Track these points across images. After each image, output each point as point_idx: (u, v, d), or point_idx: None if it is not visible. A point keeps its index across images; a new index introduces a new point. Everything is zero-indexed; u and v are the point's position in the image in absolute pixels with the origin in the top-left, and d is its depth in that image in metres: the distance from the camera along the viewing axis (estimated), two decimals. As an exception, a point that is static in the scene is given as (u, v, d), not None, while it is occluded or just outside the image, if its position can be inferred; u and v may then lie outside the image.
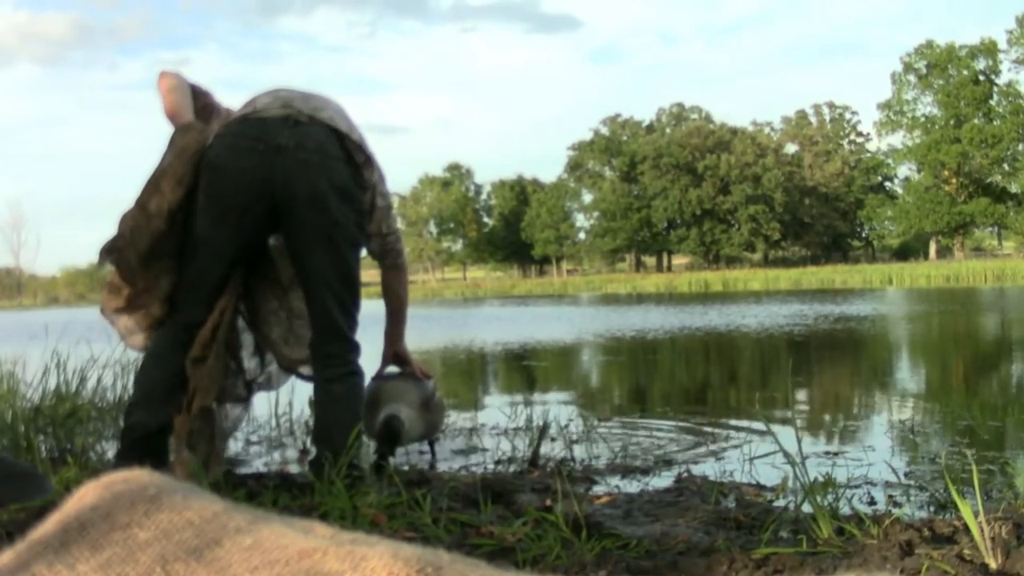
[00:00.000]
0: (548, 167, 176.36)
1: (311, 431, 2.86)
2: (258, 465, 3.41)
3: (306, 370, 2.94)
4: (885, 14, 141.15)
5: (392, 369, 3.25)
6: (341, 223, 2.64)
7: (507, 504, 2.44)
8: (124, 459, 2.55)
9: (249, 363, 3.01)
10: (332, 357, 2.70)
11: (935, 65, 59.84)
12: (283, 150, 2.56)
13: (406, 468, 3.07)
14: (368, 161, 2.77)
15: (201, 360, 2.67)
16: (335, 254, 2.65)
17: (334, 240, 2.63)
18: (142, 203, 2.55)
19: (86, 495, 0.69)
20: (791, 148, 71.91)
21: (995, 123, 57.25)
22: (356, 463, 2.60)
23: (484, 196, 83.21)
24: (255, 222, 2.64)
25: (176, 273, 2.68)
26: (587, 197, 74.74)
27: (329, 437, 2.63)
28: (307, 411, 4.19)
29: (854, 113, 72.86)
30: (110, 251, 2.57)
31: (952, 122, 58.52)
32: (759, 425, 3.95)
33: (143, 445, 2.56)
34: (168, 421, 2.63)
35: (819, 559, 1.81)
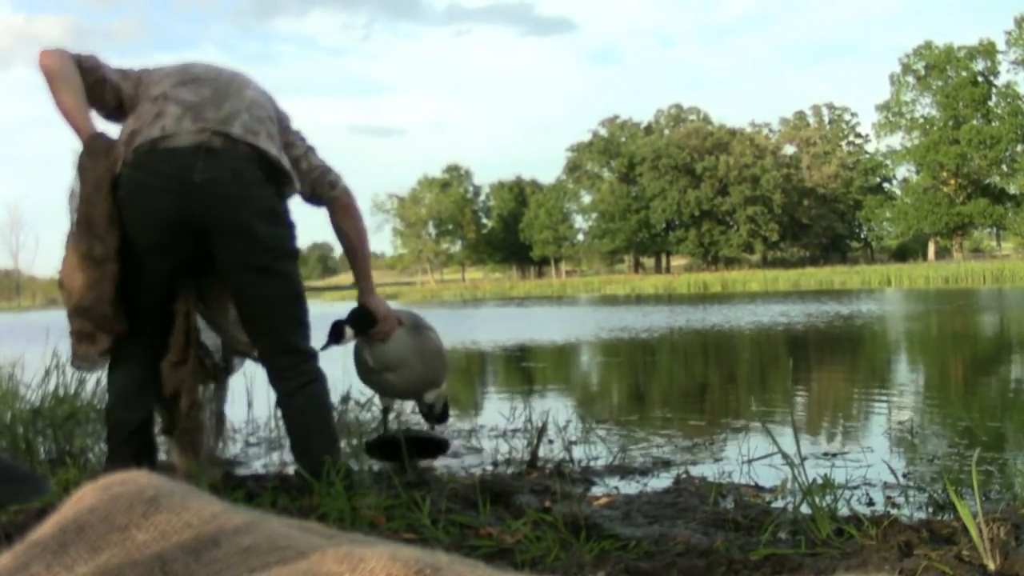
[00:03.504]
0: (547, 168, 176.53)
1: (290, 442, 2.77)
2: (257, 466, 3.41)
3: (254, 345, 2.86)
4: (883, 15, 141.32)
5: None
6: (272, 246, 2.52)
7: (506, 505, 2.44)
8: (115, 460, 2.53)
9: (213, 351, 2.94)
10: (286, 370, 2.59)
11: (934, 66, 59.85)
12: (198, 187, 2.41)
13: (403, 471, 3.07)
14: (289, 145, 2.67)
15: (181, 363, 2.67)
16: (272, 277, 2.54)
17: (268, 267, 2.52)
18: (86, 255, 2.42)
19: (84, 497, 0.69)
20: (789, 149, 71.92)
21: (993, 124, 57.25)
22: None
23: (483, 197, 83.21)
24: (184, 251, 2.54)
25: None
26: (586, 198, 74.76)
27: (305, 450, 2.58)
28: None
29: (853, 114, 72.90)
30: (82, 336, 2.49)
31: (951, 123, 58.53)
32: (757, 426, 3.95)
33: (130, 443, 2.56)
34: (148, 414, 2.63)
35: (818, 560, 1.81)
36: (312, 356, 2.65)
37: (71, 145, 2.52)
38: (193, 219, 2.45)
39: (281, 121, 2.69)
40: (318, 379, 2.64)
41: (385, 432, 3.28)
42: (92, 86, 2.54)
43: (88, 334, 2.50)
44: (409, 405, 4.51)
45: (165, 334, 2.65)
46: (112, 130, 2.60)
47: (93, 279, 2.43)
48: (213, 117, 2.47)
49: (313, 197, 2.75)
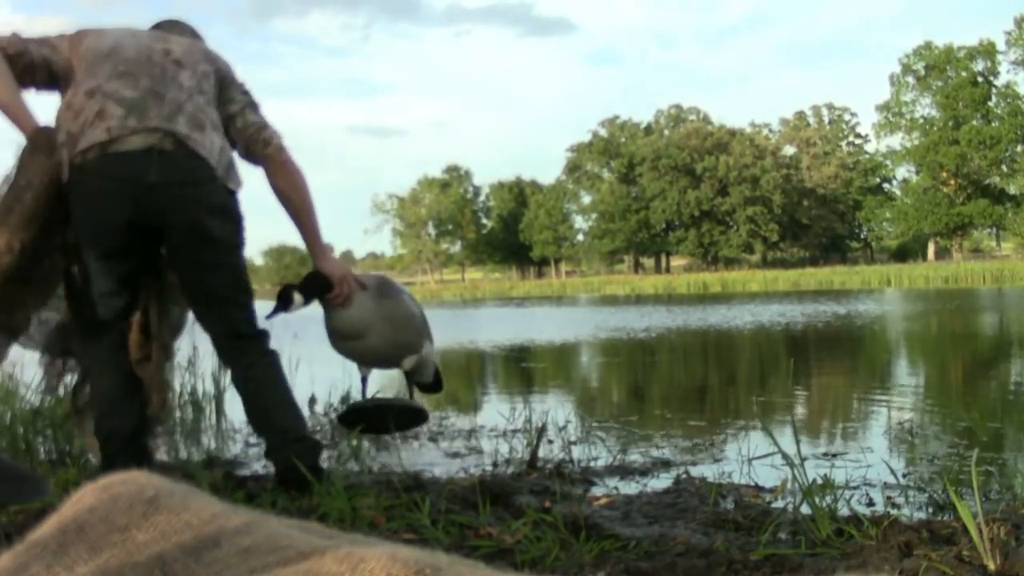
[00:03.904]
0: (546, 169, 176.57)
1: (250, 423, 2.73)
2: (257, 466, 3.41)
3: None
4: (883, 15, 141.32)
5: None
6: (221, 242, 2.54)
7: (506, 505, 2.44)
8: (109, 469, 2.52)
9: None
10: (240, 349, 2.61)
11: (933, 66, 59.86)
12: (154, 188, 2.41)
13: (402, 472, 3.07)
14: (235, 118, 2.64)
15: (145, 360, 2.67)
16: (221, 271, 2.57)
17: (218, 262, 2.55)
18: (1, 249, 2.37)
19: (84, 497, 0.69)
20: (789, 150, 71.95)
21: (993, 124, 57.26)
22: (304, 435, 2.58)
23: (483, 198, 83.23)
24: (142, 252, 2.56)
25: (39, 294, 2.58)
26: (585, 198, 74.78)
27: (270, 422, 2.57)
28: (306, 412, 4.20)
29: (853, 115, 72.95)
30: None
31: (950, 123, 58.53)
32: (757, 426, 3.95)
33: (125, 451, 2.55)
34: (139, 419, 2.63)
35: (818, 560, 1.81)
36: (265, 336, 2.67)
37: (12, 136, 2.49)
38: (149, 220, 2.46)
39: (222, 80, 2.64)
40: (273, 354, 2.66)
41: (358, 402, 3.19)
42: (22, 72, 2.48)
43: None
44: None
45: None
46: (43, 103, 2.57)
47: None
48: (157, 114, 2.44)
49: (247, 155, 2.69)
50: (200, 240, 2.50)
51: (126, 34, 2.60)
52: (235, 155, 2.66)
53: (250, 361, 2.60)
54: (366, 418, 3.11)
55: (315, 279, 2.78)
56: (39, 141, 2.43)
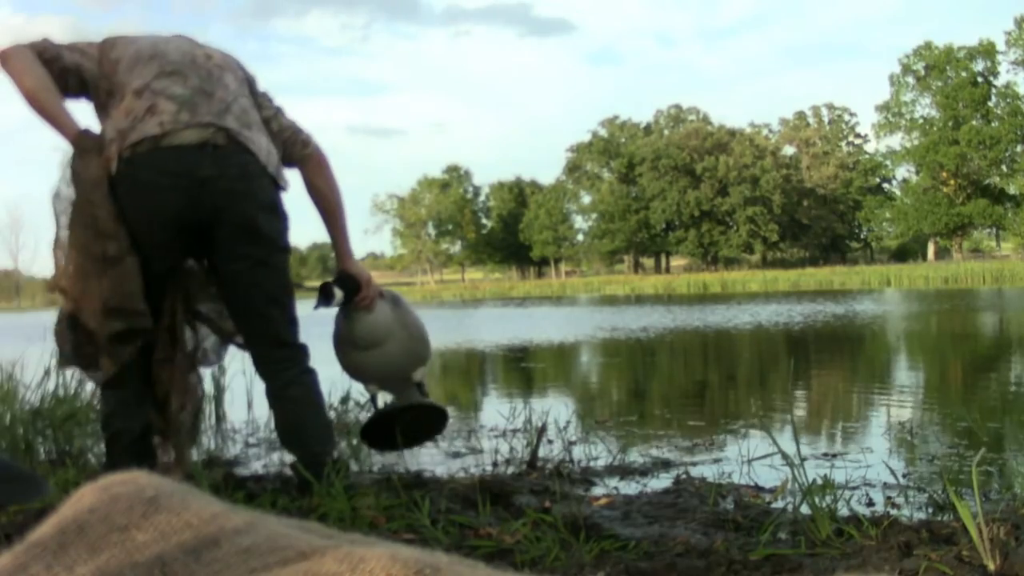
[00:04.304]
0: (546, 169, 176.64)
1: (279, 436, 2.71)
2: (257, 466, 3.41)
3: (242, 339, 2.79)
4: (883, 16, 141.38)
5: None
6: (271, 239, 2.53)
7: (506, 505, 2.44)
8: (115, 468, 2.52)
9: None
10: (282, 362, 2.59)
11: (933, 67, 59.87)
12: (207, 182, 2.41)
13: (402, 472, 3.07)
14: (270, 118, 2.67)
15: (167, 360, 2.66)
16: (269, 270, 2.55)
17: (267, 259, 2.53)
18: (100, 256, 2.38)
19: (84, 497, 0.69)
20: (789, 150, 71.97)
21: (993, 124, 57.27)
22: (336, 458, 2.57)
23: (482, 198, 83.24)
24: (186, 248, 2.55)
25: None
26: (585, 199, 74.83)
27: (302, 440, 2.56)
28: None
29: (852, 115, 72.99)
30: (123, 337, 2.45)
31: (950, 123, 58.54)
32: (757, 426, 3.95)
33: (131, 451, 2.55)
34: (147, 422, 2.62)
35: (818, 560, 1.81)
36: (305, 351, 2.65)
37: (54, 144, 2.46)
38: (199, 215, 2.44)
39: (251, 87, 2.67)
40: (312, 371, 2.64)
41: (377, 411, 3.04)
42: (57, 77, 2.46)
43: (123, 334, 2.45)
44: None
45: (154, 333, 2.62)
46: (77, 110, 2.52)
47: (116, 278, 2.39)
48: (208, 111, 2.45)
49: (284, 158, 2.70)
50: (251, 235, 2.48)
51: (161, 40, 2.61)
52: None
53: (289, 378, 2.58)
54: (389, 428, 3.00)
55: (347, 279, 2.79)
56: (85, 144, 2.42)
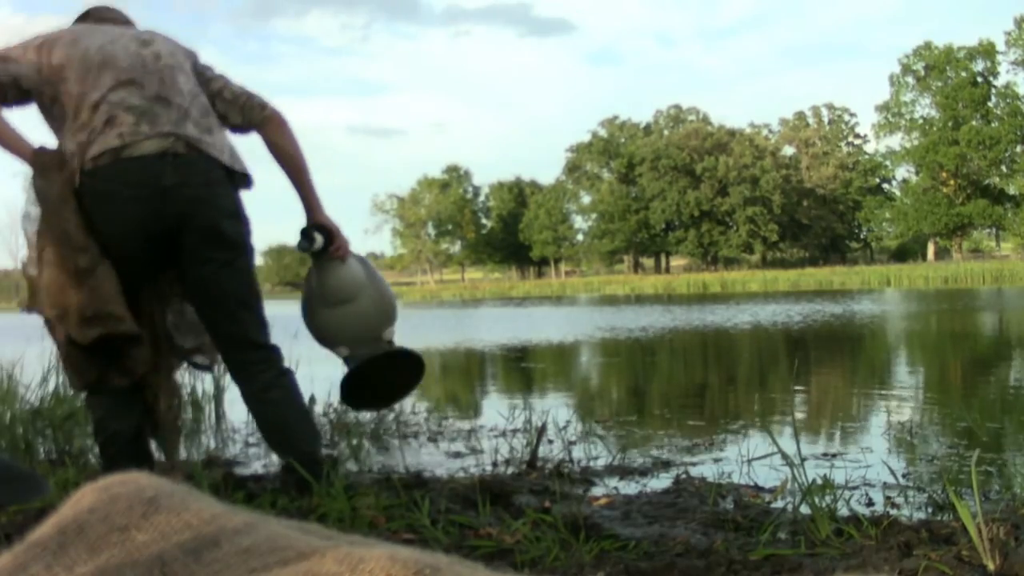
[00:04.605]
0: (546, 169, 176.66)
1: (266, 441, 2.70)
2: (257, 467, 3.41)
3: (201, 359, 2.81)
4: (883, 16, 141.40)
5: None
6: (235, 242, 2.54)
7: (505, 506, 2.44)
8: (112, 470, 2.49)
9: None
10: (256, 364, 2.58)
11: (933, 67, 59.87)
12: (169, 191, 2.41)
13: (402, 472, 3.07)
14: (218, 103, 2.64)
15: (154, 371, 2.66)
16: (235, 272, 2.55)
17: (232, 262, 2.54)
18: (74, 270, 2.37)
19: (84, 497, 0.69)
20: (789, 150, 71.97)
21: (993, 125, 57.26)
22: (321, 459, 2.57)
23: (482, 198, 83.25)
24: (153, 257, 2.53)
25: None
26: (585, 199, 74.82)
27: (291, 441, 2.55)
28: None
29: (852, 115, 72.96)
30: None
31: (950, 124, 58.53)
32: (757, 426, 3.95)
33: (127, 453, 2.55)
34: (139, 422, 2.62)
35: (817, 560, 1.81)
36: (278, 352, 2.65)
37: (13, 169, 2.46)
38: (164, 224, 2.45)
39: (195, 65, 2.66)
40: (288, 372, 2.63)
41: (356, 365, 2.91)
42: (12, 85, 2.43)
43: (105, 339, 2.43)
44: (408, 405, 4.51)
45: None
46: (17, 117, 2.49)
47: (90, 288, 2.39)
48: (167, 120, 2.45)
49: (243, 124, 2.68)
50: (215, 240, 2.49)
51: (104, 40, 2.55)
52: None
53: (267, 381, 2.57)
54: (366, 384, 2.95)
55: (320, 229, 2.77)
56: (44, 162, 2.41)
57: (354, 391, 2.97)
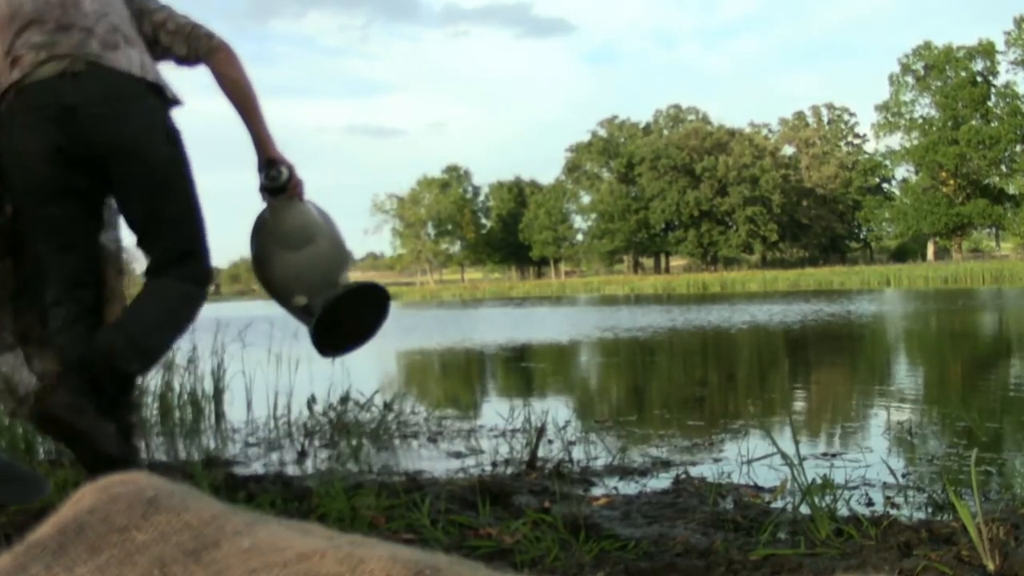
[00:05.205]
0: (546, 169, 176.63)
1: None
2: (256, 467, 3.41)
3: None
4: (883, 15, 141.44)
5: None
6: (162, 158, 2.37)
7: (505, 506, 2.44)
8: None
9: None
10: (173, 267, 2.40)
11: (933, 66, 59.88)
12: (75, 110, 2.28)
13: (402, 472, 3.07)
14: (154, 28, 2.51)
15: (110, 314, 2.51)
16: (167, 193, 2.38)
17: (165, 183, 2.38)
18: None
19: (84, 497, 0.69)
20: (789, 150, 71.99)
21: (993, 124, 57.28)
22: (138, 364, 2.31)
23: (482, 198, 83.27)
24: (81, 191, 2.37)
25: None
26: (585, 199, 74.84)
27: (125, 324, 2.31)
28: (305, 412, 4.20)
29: (852, 115, 73.07)
30: None
31: (950, 123, 58.55)
32: (757, 426, 3.95)
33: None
34: (128, 422, 2.45)
35: (817, 560, 1.81)
36: (206, 279, 2.48)
37: None
38: (76, 149, 2.31)
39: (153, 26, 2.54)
40: (200, 293, 2.45)
41: (321, 309, 2.68)
42: None
43: None
44: (408, 405, 4.51)
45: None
46: None
47: None
48: (67, 44, 2.33)
49: (190, 56, 2.55)
50: (139, 161, 2.33)
51: None
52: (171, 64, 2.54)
53: (180, 277, 2.40)
54: (336, 328, 2.74)
55: (276, 164, 2.64)
56: None
57: (325, 337, 2.75)
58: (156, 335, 2.35)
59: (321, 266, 2.70)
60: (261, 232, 2.70)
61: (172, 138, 2.42)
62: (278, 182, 2.61)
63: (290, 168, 2.64)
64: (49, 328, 2.40)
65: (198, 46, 2.55)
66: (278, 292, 2.73)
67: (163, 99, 2.44)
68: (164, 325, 2.38)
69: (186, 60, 2.56)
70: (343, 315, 2.72)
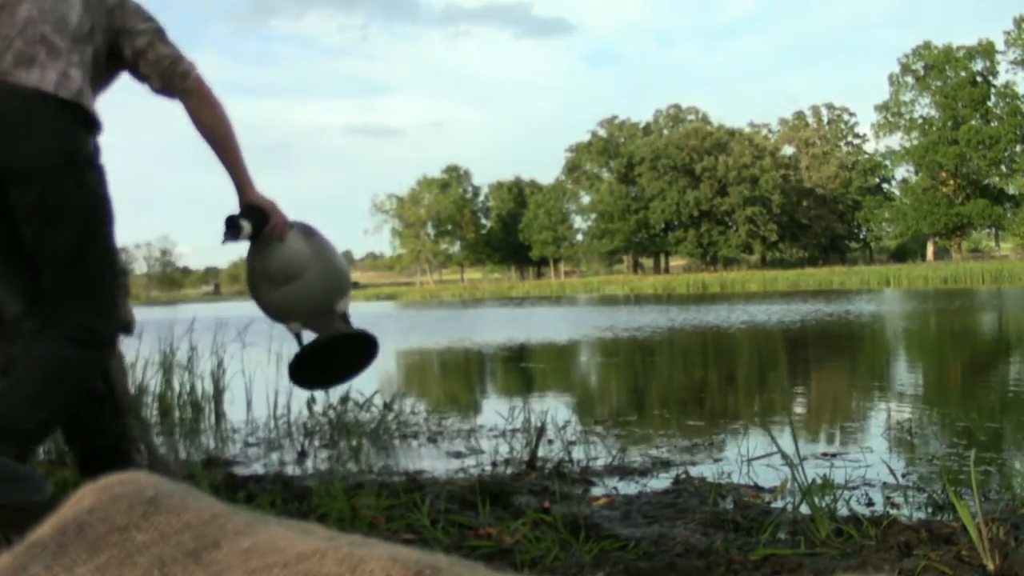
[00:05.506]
0: (546, 169, 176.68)
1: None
2: (256, 467, 3.41)
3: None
4: (883, 15, 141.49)
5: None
6: (68, 192, 2.15)
7: (505, 506, 2.44)
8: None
9: None
10: (60, 318, 2.15)
11: (933, 66, 59.89)
12: None
13: (402, 472, 3.07)
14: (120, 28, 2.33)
15: None
16: (60, 231, 2.14)
17: (57, 219, 2.14)
18: None
19: (84, 497, 0.69)
20: (788, 150, 72.00)
21: (992, 124, 57.29)
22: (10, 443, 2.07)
23: (482, 198, 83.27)
24: None
25: None
26: (585, 199, 74.83)
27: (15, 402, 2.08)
28: (305, 412, 4.20)
29: (852, 115, 72.99)
30: None
31: (949, 123, 58.56)
32: (757, 426, 3.95)
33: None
34: (125, 431, 2.46)
35: (817, 560, 1.81)
36: (101, 338, 2.23)
37: None
38: None
39: (114, 9, 2.39)
40: (91, 357, 2.18)
41: (302, 347, 2.73)
42: None
43: None
44: (408, 405, 4.51)
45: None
46: None
47: None
48: None
49: (164, 92, 2.40)
50: (28, 186, 2.12)
51: None
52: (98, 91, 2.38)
53: (56, 335, 2.14)
54: (317, 367, 2.77)
55: (251, 211, 2.53)
56: None
57: (303, 371, 2.76)
58: (29, 414, 2.09)
59: (310, 299, 2.69)
60: (249, 268, 2.69)
61: (81, 162, 2.19)
62: (237, 240, 2.53)
63: (265, 212, 2.52)
64: (14, 346, 2.26)
65: (172, 84, 2.39)
66: (273, 319, 2.76)
67: (81, 120, 2.24)
68: (37, 402, 2.09)
69: (161, 93, 2.42)
70: (328, 354, 2.74)
